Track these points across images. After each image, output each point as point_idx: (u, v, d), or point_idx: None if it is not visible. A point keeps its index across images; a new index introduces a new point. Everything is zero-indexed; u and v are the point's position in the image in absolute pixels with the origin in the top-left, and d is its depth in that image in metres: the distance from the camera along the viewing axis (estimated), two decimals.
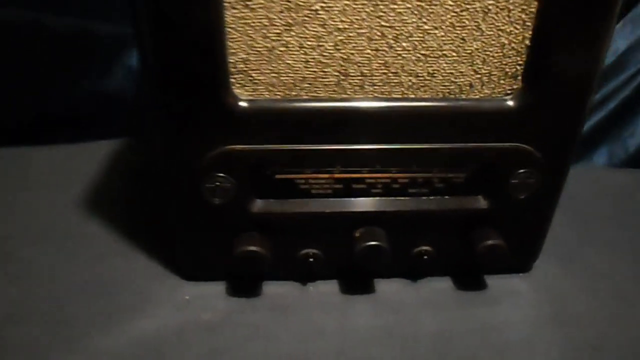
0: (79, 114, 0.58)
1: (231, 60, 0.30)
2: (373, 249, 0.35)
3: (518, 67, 0.32)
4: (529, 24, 0.30)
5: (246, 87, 0.31)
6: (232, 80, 0.31)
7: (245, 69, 0.31)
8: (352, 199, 0.35)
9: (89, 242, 0.41)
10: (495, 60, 0.31)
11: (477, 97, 0.32)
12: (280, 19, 0.29)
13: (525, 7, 0.30)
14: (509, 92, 0.32)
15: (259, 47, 0.30)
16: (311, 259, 0.37)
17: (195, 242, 0.36)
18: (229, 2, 0.29)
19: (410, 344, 0.34)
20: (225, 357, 0.33)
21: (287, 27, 0.29)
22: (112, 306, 0.36)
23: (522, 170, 0.34)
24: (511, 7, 0.30)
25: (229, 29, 0.29)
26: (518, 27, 0.30)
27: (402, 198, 0.36)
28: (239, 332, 0.34)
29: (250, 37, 0.30)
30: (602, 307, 0.38)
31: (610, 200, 0.50)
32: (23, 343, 0.33)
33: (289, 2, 0.29)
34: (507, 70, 0.32)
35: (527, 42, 0.31)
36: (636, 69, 0.65)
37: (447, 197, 0.36)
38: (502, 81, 0.32)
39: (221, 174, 0.33)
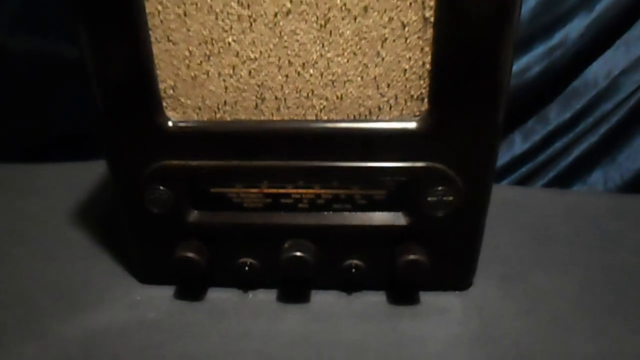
0: (85, 134, 0.65)
1: (161, 87, 0.35)
2: (296, 259, 0.37)
3: (423, 90, 0.34)
4: (427, 50, 0.33)
5: (176, 110, 0.35)
6: (164, 104, 0.35)
7: (174, 94, 0.35)
8: (281, 212, 0.38)
9: (68, 246, 0.47)
10: (400, 84, 0.34)
11: (386, 118, 0.35)
12: (199, 50, 0.33)
13: (420, 34, 0.32)
14: (416, 113, 0.35)
15: (184, 76, 0.34)
16: (247, 268, 0.40)
17: (144, 247, 0.41)
18: (155, 38, 0.33)
19: (325, 350, 0.36)
20: (159, 352, 0.36)
21: (206, 58, 0.34)
22: (74, 301, 0.41)
23: (438, 188, 0.36)
24: (407, 35, 0.32)
25: (157, 60, 0.34)
26: (417, 52, 0.33)
27: (327, 213, 0.38)
28: (175, 331, 0.38)
29: (176, 67, 0.34)
30: (532, 329, 0.38)
31: (575, 224, 0.49)
32: None
33: (205, 35, 0.33)
34: (413, 93, 0.34)
35: (428, 66, 0.33)
36: (630, 91, 0.64)
37: (369, 212, 0.38)
38: (409, 103, 0.34)
39: (160, 187, 0.37)
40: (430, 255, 0.38)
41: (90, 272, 0.44)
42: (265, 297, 0.41)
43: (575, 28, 0.62)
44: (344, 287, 0.41)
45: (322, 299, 0.41)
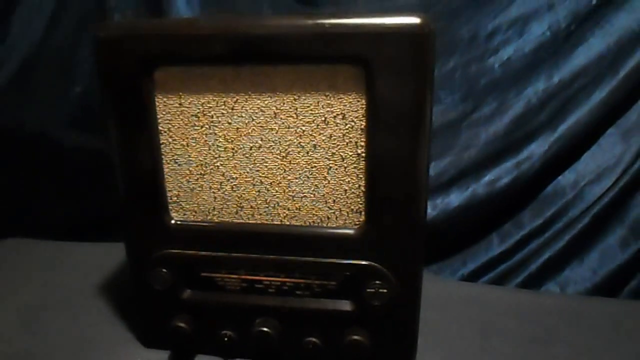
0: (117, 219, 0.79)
1: (168, 195, 0.47)
2: (263, 334, 0.47)
3: (360, 205, 0.44)
4: (360, 176, 0.43)
5: (179, 212, 0.47)
6: (170, 207, 0.47)
7: (177, 200, 0.47)
8: (255, 295, 0.48)
9: (89, 313, 0.58)
10: (342, 200, 0.44)
11: (333, 225, 0.45)
12: (196, 170, 0.46)
13: (355, 165, 0.43)
14: (356, 223, 0.45)
15: (185, 188, 0.46)
16: (226, 339, 0.49)
17: (148, 317, 0.51)
18: (166, 160, 0.46)
19: None
20: None
21: (201, 176, 0.46)
22: (88, 358, 0.51)
23: (375, 282, 0.45)
24: (346, 165, 0.43)
25: (166, 176, 0.46)
26: (354, 178, 0.44)
27: (290, 297, 0.48)
28: None
29: (179, 181, 0.46)
30: None
31: (522, 322, 0.56)
32: None
33: (200, 160, 0.45)
34: (352, 207, 0.44)
35: (362, 188, 0.44)
36: (592, 200, 0.71)
37: (323, 299, 0.47)
38: (350, 215, 0.45)
39: (162, 269, 0.48)
40: (373, 338, 0.46)
41: (103, 335, 0.54)
42: None
43: (541, 145, 0.72)
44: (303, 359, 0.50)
45: None
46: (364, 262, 0.45)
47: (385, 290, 0.45)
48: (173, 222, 0.47)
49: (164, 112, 0.44)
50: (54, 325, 0.56)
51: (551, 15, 0.70)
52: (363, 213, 0.44)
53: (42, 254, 0.74)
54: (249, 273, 0.48)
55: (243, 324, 0.48)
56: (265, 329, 0.46)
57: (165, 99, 0.44)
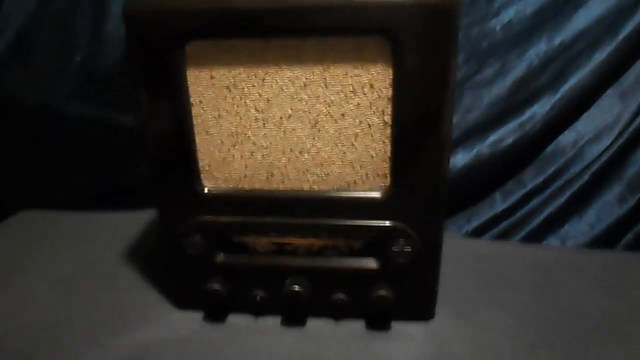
0: (135, 189, 0.81)
1: (200, 165, 0.49)
2: (295, 293, 0.50)
3: (385, 170, 0.47)
4: (387, 142, 0.46)
5: (210, 181, 0.49)
6: (202, 176, 0.49)
7: (209, 170, 0.49)
8: (285, 256, 0.51)
9: (120, 279, 0.61)
10: (369, 166, 0.47)
11: (360, 189, 0.48)
12: (228, 141, 0.48)
13: (382, 132, 0.45)
14: (382, 186, 0.47)
15: (217, 157, 0.48)
16: (258, 298, 0.52)
17: (181, 280, 0.54)
18: (197, 131, 0.48)
19: None
20: None
21: (232, 146, 0.48)
22: (124, 321, 0.54)
23: (399, 241, 0.48)
24: (372, 132, 0.46)
25: (198, 147, 0.48)
26: (380, 144, 0.46)
27: (319, 257, 0.51)
28: (196, 347, 0.50)
29: (211, 151, 0.48)
30: (475, 352, 0.48)
31: (528, 274, 0.60)
32: (66, 333, 0.51)
33: (232, 130, 0.47)
34: (378, 172, 0.47)
35: (388, 154, 0.46)
36: (592, 159, 0.75)
37: (350, 258, 0.50)
38: (375, 179, 0.47)
39: (196, 235, 0.51)
40: (397, 292, 0.50)
41: (136, 299, 0.57)
42: (272, 321, 0.53)
43: (543, 105, 0.75)
44: (332, 315, 0.53)
45: (315, 324, 0.52)
46: (389, 223, 0.48)
47: (409, 249, 0.48)
48: (206, 190, 0.49)
49: (195, 85, 0.46)
50: (87, 294, 0.59)
51: None
52: (388, 177, 0.47)
53: (59, 225, 0.76)
54: (280, 236, 0.50)
55: (274, 283, 0.51)
56: (296, 288, 0.50)
57: (196, 72, 0.45)
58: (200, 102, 0.46)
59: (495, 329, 0.51)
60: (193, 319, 0.54)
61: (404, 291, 0.50)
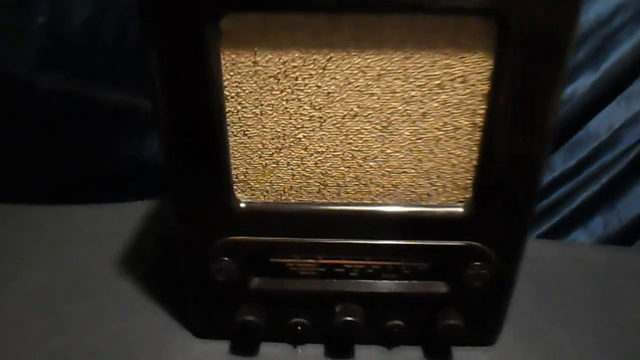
0: (118, 176, 0.69)
1: (234, 173, 0.38)
2: (348, 324, 0.41)
3: (468, 181, 0.38)
4: (474, 148, 0.37)
5: (246, 193, 0.39)
6: (235, 187, 0.39)
7: (245, 179, 0.39)
8: (334, 280, 0.42)
9: (118, 298, 0.50)
10: (448, 176, 0.38)
11: (434, 203, 0.39)
12: (272, 144, 0.37)
13: (470, 136, 0.37)
14: (461, 200, 0.39)
15: (256, 164, 0.38)
16: (299, 327, 0.44)
17: (204, 307, 0.44)
18: (232, 132, 0.37)
19: None
20: None
21: (277, 150, 0.38)
22: (132, 354, 0.44)
23: (476, 263, 0.40)
24: (458, 137, 0.37)
25: (232, 151, 0.38)
26: (465, 151, 0.37)
27: (375, 281, 0.42)
28: None
29: (249, 157, 0.38)
30: None
31: (585, 279, 0.54)
32: None
33: (278, 132, 0.37)
34: (459, 183, 0.38)
35: (474, 162, 0.37)
36: (630, 144, 0.69)
37: (414, 281, 0.42)
38: (454, 192, 0.39)
39: (225, 258, 0.41)
40: (465, 318, 0.42)
41: (143, 326, 0.47)
42: (314, 351, 0.45)
43: (582, 85, 0.68)
44: (385, 342, 0.46)
45: (366, 354, 0.45)
46: (466, 243, 0.40)
47: (486, 272, 0.41)
48: (241, 204, 0.39)
49: (232, 73, 0.35)
50: (79, 316, 0.48)
51: None
52: (471, 189, 0.39)
53: (31, 222, 0.63)
54: (329, 257, 0.42)
55: (319, 311, 0.43)
56: (350, 319, 0.41)
57: (234, 56, 0.34)
58: (238, 94, 0.36)
59: (565, 352, 0.46)
60: (218, 351, 0.45)
61: (470, 316, 0.43)
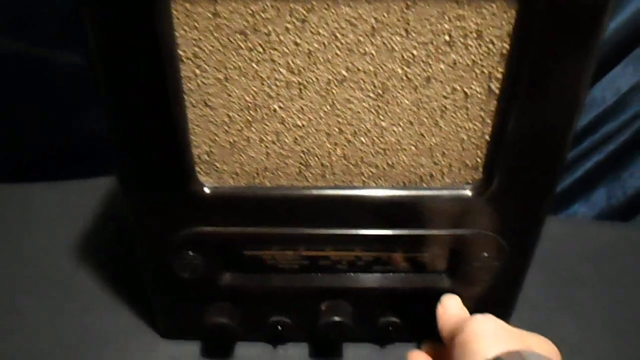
0: (77, 151, 0.61)
1: (195, 153, 0.31)
2: (336, 324, 0.36)
3: (478, 160, 0.32)
4: (488, 121, 0.31)
5: (211, 176, 0.32)
6: (198, 169, 0.32)
7: (209, 160, 0.32)
8: (319, 274, 0.37)
9: (76, 293, 0.44)
10: (455, 153, 0.32)
11: (437, 186, 0.33)
12: (240, 116, 0.30)
13: (483, 105, 0.30)
14: (469, 181, 0.33)
15: (221, 142, 0.31)
16: (279, 327, 0.38)
17: (169, 306, 0.38)
18: (191, 102, 0.30)
19: None
20: None
21: (248, 124, 0.31)
22: (93, 353, 0.38)
23: (484, 255, 0.35)
24: (469, 106, 0.30)
25: (192, 126, 0.31)
26: (477, 124, 0.31)
27: (367, 274, 0.37)
28: None
29: (213, 132, 0.31)
30: None
31: (590, 259, 0.49)
32: None
33: (247, 101, 0.30)
34: (467, 162, 0.32)
35: (487, 137, 0.31)
36: (637, 110, 0.63)
37: (411, 274, 0.37)
38: (462, 172, 0.32)
39: (190, 252, 0.34)
40: (468, 311, 0.37)
41: (104, 325, 0.41)
42: (296, 352, 0.40)
43: None
44: (377, 340, 0.40)
45: (355, 353, 0.40)
46: (474, 231, 0.34)
47: (496, 264, 0.35)
48: (205, 189, 0.32)
49: (186, 27, 0.27)
50: (34, 313, 0.42)
51: None
52: (481, 170, 0.32)
53: None
54: (312, 248, 0.35)
55: (302, 308, 0.37)
56: (336, 319, 0.36)
57: (188, 5, 0.27)
58: (196, 55, 0.28)
59: (575, 344, 0.41)
60: (187, 353, 0.39)
61: (476, 307, 0.37)
